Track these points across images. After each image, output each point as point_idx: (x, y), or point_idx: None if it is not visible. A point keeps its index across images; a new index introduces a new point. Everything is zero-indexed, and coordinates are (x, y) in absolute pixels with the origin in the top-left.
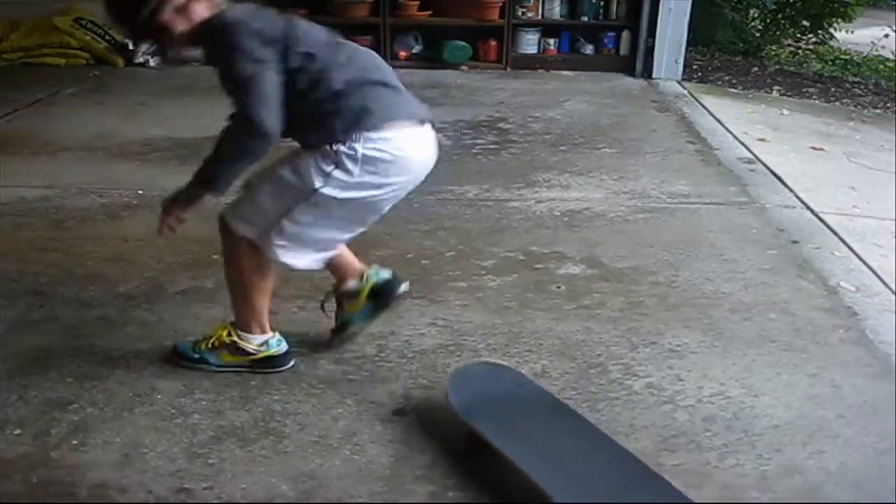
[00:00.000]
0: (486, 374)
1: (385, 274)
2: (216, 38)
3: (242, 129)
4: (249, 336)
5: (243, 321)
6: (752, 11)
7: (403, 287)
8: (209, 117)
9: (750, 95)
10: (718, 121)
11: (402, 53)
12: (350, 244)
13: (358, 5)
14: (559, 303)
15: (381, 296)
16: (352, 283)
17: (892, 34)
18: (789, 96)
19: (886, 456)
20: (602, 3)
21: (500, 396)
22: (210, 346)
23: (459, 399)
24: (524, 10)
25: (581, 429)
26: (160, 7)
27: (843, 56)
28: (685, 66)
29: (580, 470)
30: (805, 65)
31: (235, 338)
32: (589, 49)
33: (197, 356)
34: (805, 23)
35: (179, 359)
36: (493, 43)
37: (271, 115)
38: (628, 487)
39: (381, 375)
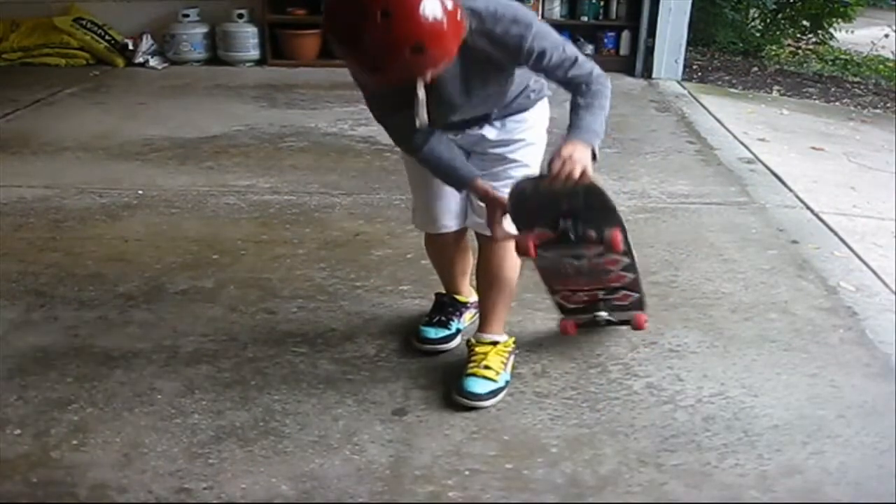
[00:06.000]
0: None
1: None
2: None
3: (606, 83)
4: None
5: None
6: (752, 11)
7: None
8: (209, 117)
9: (750, 95)
10: (718, 121)
11: None
12: (350, 243)
13: None
14: None
15: None
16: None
17: (892, 34)
18: (789, 96)
19: (886, 456)
20: (602, 3)
21: None
22: (506, 365)
23: None
24: None
25: None
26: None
27: (843, 56)
28: (685, 66)
29: None
30: (805, 65)
31: (509, 338)
32: (589, 49)
33: (504, 383)
34: (805, 23)
35: (478, 400)
36: None
37: None
38: None
39: (381, 375)
